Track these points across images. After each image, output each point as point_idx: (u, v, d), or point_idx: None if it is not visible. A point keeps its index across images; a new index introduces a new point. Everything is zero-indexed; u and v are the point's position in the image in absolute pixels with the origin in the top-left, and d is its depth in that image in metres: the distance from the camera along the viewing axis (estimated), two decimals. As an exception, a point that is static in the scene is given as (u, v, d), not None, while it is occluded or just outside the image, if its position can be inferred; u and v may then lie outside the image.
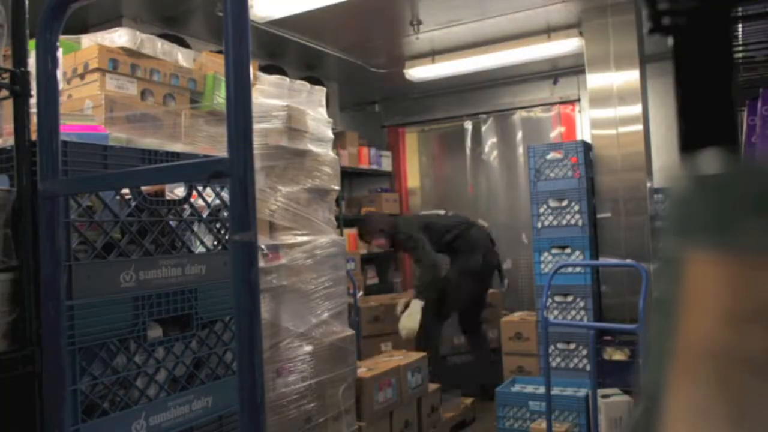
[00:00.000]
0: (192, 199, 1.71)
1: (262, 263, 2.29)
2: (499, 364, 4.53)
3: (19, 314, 1.33)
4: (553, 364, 3.87)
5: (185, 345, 1.62)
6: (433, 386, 3.60)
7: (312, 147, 2.69)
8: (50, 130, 1.24)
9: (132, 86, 2.15)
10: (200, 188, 1.73)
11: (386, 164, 6.32)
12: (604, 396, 3.12)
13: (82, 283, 1.38)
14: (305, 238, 2.57)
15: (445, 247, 4.53)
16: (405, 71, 5.20)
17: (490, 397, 4.03)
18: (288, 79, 2.73)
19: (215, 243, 1.76)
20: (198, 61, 2.53)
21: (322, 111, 2.88)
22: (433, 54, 5.04)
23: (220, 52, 1.94)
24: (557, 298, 3.96)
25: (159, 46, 2.35)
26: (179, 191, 1.74)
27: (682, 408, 0.33)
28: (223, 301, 1.72)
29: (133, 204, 1.53)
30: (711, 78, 0.52)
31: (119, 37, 2.23)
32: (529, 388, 3.62)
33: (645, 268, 2.70)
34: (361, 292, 4.70)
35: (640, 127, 4.06)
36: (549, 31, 4.59)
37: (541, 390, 3.28)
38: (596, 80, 4.19)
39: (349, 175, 5.99)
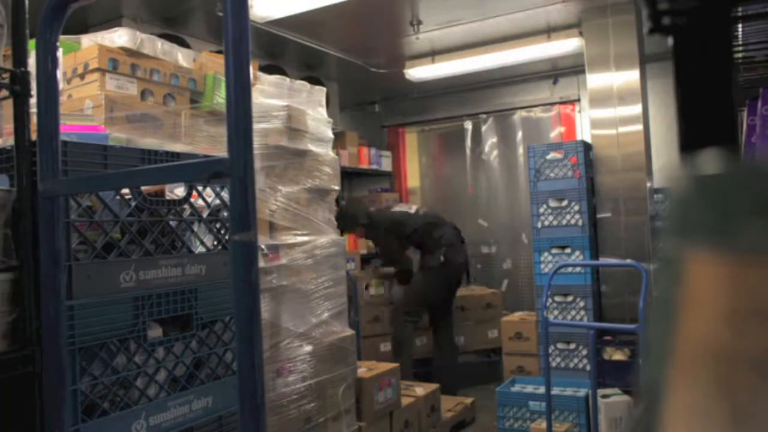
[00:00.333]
0: (192, 199, 1.71)
1: (262, 263, 2.29)
2: (499, 364, 4.54)
3: (19, 314, 1.33)
4: (553, 364, 3.87)
5: (185, 345, 1.62)
6: (432, 386, 3.60)
7: (312, 147, 2.69)
8: (50, 130, 1.24)
9: (132, 86, 2.15)
10: (200, 188, 1.73)
11: (386, 164, 6.32)
12: (604, 396, 3.12)
13: (82, 283, 1.38)
14: (305, 238, 2.57)
15: (414, 245, 4.54)
16: (405, 71, 5.20)
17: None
18: (288, 79, 2.73)
19: (215, 243, 1.76)
20: (198, 61, 2.53)
21: (322, 111, 2.88)
22: (433, 54, 5.03)
23: (220, 52, 1.94)
24: (557, 298, 3.96)
25: (159, 46, 2.35)
26: (179, 191, 1.74)
27: (682, 408, 0.33)
28: (223, 301, 1.72)
29: (133, 204, 1.53)
30: (711, 78, 0.52)
31: (119, 37, 2.23)
32: (529, 388, 3.62)
33: (645, 268, 2.70)
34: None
35: (640, 127, 4.05)
36: (549, 31, 4.59)
37: (541, 390, 3.28)
38: (596, 80, 4.19)
39: (349, 175, 5.99)
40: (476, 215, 6.17)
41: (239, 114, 0.91)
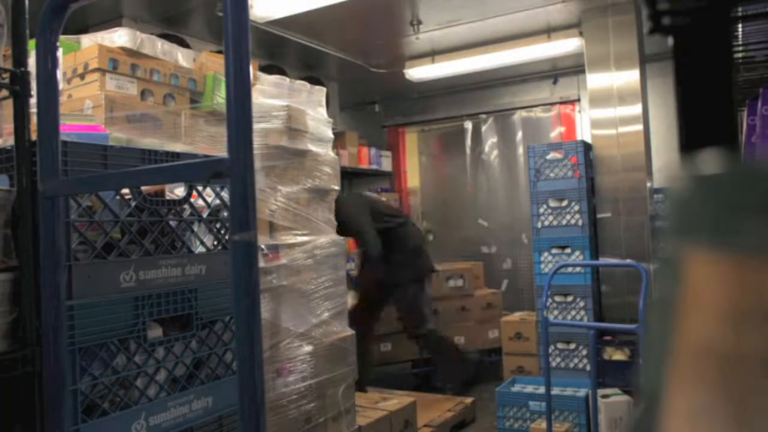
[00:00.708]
0: (192, 199, 1.71)
1: (262, 263, 2.29)
2: (499, 364, 4.54)
3: (19, 314, 1.33)
4: (553, 364, 3.87)
5: (185, 345, 1.62)
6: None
7: (312, 147, 2.69)
8: (50, 130, 1.24)
9: (132, 86, 2.15)
10: (200, 188, 1.73)
11: (386, 164, 6.32)
12: (604, 396, 3.12)
13: (82, 283, 1.37)
14: (305, 238, 2.57)
15: (381, 235, 4.11)
16: (405, 71, 5.20)
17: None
18: (288, 79, 2.73)
19: (215, 243, 1.76)
20: (198, 61, 2.53)
21: (322, 111, 2.88)
22: (433, 54, 5.04)
23: (220, 52, 1.94)
24: (557, 298, 3.96)
25: (159, 46, 2.35)
26: (179, 191, 1.74)
27: (683, 408, 0.33)
28: (223, 301, 1.72)
29: (133, 204, 1.53)
30: (711, 78, 0.52)
31: (119, 37, 2.23)
32: (529, 388, 3.62)
33: (645, 268, 2.70)
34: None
35: (640, 127, 4.05)
36: (549, 31, 4.59)
37: (541, 390, 3.28)
38: (596, 80, 4.19)
39: (349, 175, 5.99)
40: (476, 215, 6.17)
41: (239, 114, 0.91)
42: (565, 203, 4.00)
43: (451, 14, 4.20)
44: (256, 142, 2.02)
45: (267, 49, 4.70)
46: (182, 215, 1.67)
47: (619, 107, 4.10)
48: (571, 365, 3.88)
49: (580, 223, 3.96)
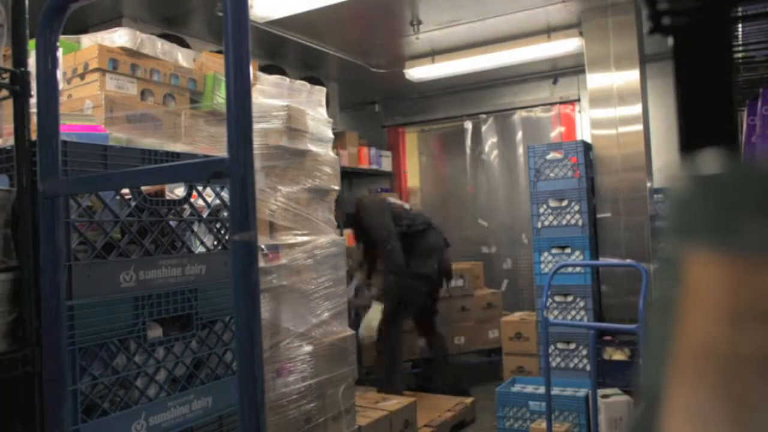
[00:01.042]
0: (192, 199, 1.71)
1: (262, 263, 2.29)
2: (499, 364, 4.53)
3: (19, 314, 1.33)
4: (553, 364, 3.87)
5: (185, 345, 1.62)
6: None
7: (312, 147, 2.69)
8: (50, 130, 1.24)
9: (132, 86, 2.15)
10: (200, 188, 1.73)
11: (386, 164, 6.32)
12: (604, 396, 3.12)
13: (82, 283, 1.37)
14: (305, 238, 2.57)
15: (402, 241, 4.08)
16: (405, 71, 5.20)
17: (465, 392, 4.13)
18: (288, 79, 2.73)
19: (215, 243, 1.76)
20: (198, 61, 2.53)
21: (322, 111, 2.88)
22: (433, 54, 5.04)
23: (220, 52, 1.94)
24: (557, 298, 3.96)
25: (159, 46, 2.35)
26: (179, 191, 1.74)
27: (683, 408, 0.33)
28: (223, 301, 1.72)
29: (133, 204, 1.53)
30: (711, 78, 0.52)
31: (119, 37, 2.23)
32: (529, 388, 3.62)
33: (645, 268, 2.70)
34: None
35: (640, 127, 4.06)
36: (549, 31, 4.59)
37: (541, 390, 3.28)
38: (596, 80, 4.19)
39: (349, 175, 5.99)
40: (476, 215, 6.17)
41: (239, 114, 0.91)
42: (565, 203, 4.00)
43: (451, 14, 4.20)
44: (256, 142, 2.02)
45: (267, 49, 4.70)
46: (182, 215, 1.67)
47: (619, 107, 4.10)
48: (571, 365, 3.88)
49: (580, 223, 3.96)
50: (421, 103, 6.39)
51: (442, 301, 4.70)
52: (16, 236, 1.35)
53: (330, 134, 2.88)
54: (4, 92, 1.38)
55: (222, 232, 1.78)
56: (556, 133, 5.77)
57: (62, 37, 1.52)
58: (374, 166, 6.11)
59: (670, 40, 0.52)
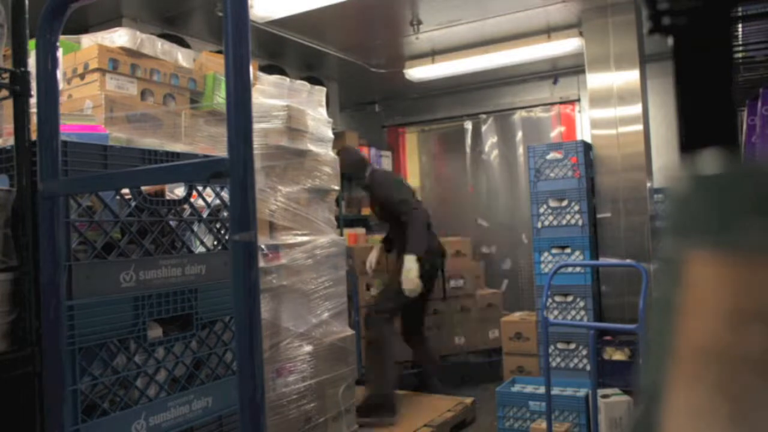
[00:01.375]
0: (192, 199, 1.71)
1: (262, 263, 2.29)
2: (498, 364, 4.53)
3: (19, 314, 1.33)
4: (553, 364, 3.87)
5: (185, 345, 1.62)
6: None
7: (312, 147, 2.69)
8: (50, 130, 1.24)
9: (132, 86, 2.15)
10: (200, 188, 1.73)
11: (386, 164, 6.32)
12: (604, 396, 3.12)
13: (82, 283, 1.37)
14: (305, 238, 2.57)
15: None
16: (405, 71, 5.20)
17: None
18: (288, 79, 2.73)
19: (215, 243, 1.76)
20: (198, 61, 2.53)
21: (322, 111, 2.88)
22: (433, 54, 5.04)
23: (220, 52, 1.94)
24: (557, 298, 3.95)
25: (159, 46, 2.35)
26: (179, 191, 1.74)
27: (682, 408, 0.33)
28: (223, 301, 1.72)
29: (133, 204, 1.53)
30: (711, 78, 0.52)
31: (119, 37, 2.23)
32: (529, 388, 3.62)
33: (645, 268, 2.70)
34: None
35: (640, 127, 4.06)
36: (549, 31, 4.59)
37: (541, 390, 3.28)
38: (596, 80, 4.19)
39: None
40: (476, 215, 6.17)
41: (239, 114, 0.91)
42: (565, 203, 4.00)
43: (451, 14, 4.20)
44: (256, 142, 2.02)
45: (267, 49, 4.70)
46: (182, 215, 1.67)
47: (619, 107, 4.10)
48: (571, 365, 3.88)
49: (580, 223, 3.96)
50: (421, 103, 6.39)
51: (442, 302, 4.70)
52: (16, 236, 1.35)
53: (330, 134, 2.88)
54: (4, 92, 1.38)
55: (222, 232, 1.78)
56: (556, 133, 5.78)
57: (62, 37, 1.52)
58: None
59: (670, 40, 0.52)
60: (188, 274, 1.63)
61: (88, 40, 2.28)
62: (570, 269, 3.86)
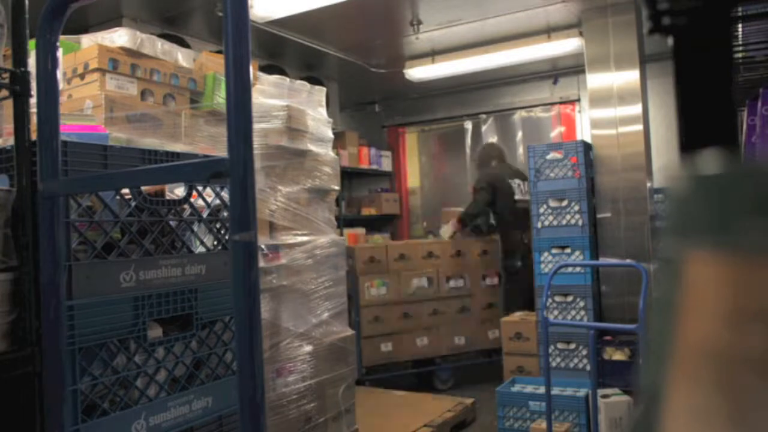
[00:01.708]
0: (192, 199, 1.71)
1: (262, 263, 2.29)
2: (499, 364, 4.53)
3: (19, 314, 1.33)
4: (553, 364, 3.87)
5: (185, 345, 1.62)
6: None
7: (312, 147, 2.69)
8: (50, 130, 1.24)
9: (132, 86, 2.15)
10: (200, 188, 1.73)
11: (386, 164, 6.32)
12: (604, 396, 3.12)
13: (82, 283, 1.37)
14: (305, 238, 2.57)
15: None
16: (405, 71, 5.20)
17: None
18: (288, 79, 2.73)
19: (215, 243, 1.76)
20: (198, 61, 2.53)
21: (322, 111, 2.88)
22: (433, 54, 5.04)
23: (220, 52, 1.94)
24: (557, 298, 3.95)
25: (159, 46, 2.35)
26: (179, 191, 1.74)
27: (682, 408, 0.33)
28: (223, 301, 1.72)
29: (133, 204, 1.53)
30: (711, 78, 0.52)
31: (119, 37, 2.23)
32: (529, 388, 3.62)
33: (645, 268, 2.70)
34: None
35: (640, 127, 4.06)
36: (549, 31, 4.59)
37: (541, 390, 3.28)
38: (596, 80, 4.19)
39: (349, 175, 6.00)
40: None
41: (239, 114, 0.91)
42: (565, 203, 4.00)
43: (451, 14, 4.20)
44: (256, 142, 2.02)
45: (267, 49, 4.70)
46: (182, 215, 1.67)
47: (619, 107, 4.10)
48: (571, 365, 3.88)
49: (580, 223, 3.96)
50: (421, 103, 6.39)
51: (441, 302, 4.69)
52: (16, 236, 1.35)
53: (330, 134, 2.88)
54: (4, 92, 1.38)
55: (222, 232, 1.78)
56: (556, 133, 5.77)
57: (62, 37, 1.52)
58: (374, 166, 6.11)
59: (670, 40, 0.52)
60: (188, 274, 1.63)
61: (88, 40, 2.28)
62: (570, 269, 3.86)
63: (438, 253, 4.70)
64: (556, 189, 4.01)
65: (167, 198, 1.63)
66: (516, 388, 3.68)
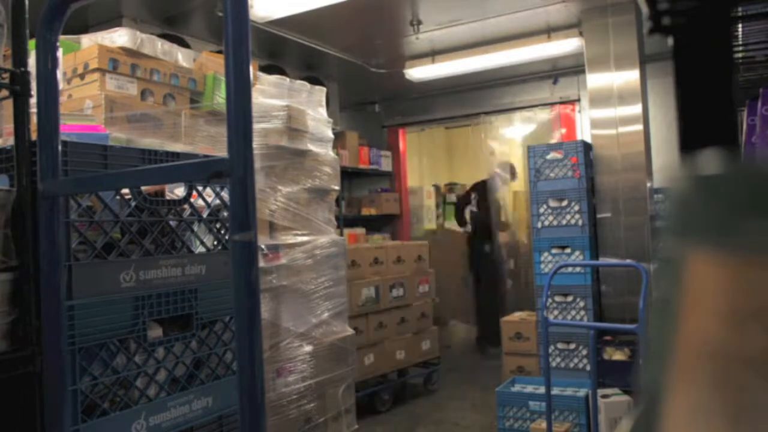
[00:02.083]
0: (192, 199, 1.71)
1: (262, 263, 2.29)
2: (438, 374, 4.42)
3: (19, 314, 1.33)
4: (553, 364, 3.87)
5: (185, 345, 1.62)
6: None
7: (312, 147, 2.69)
8: (50, 130, 1.24)
9: (132, 86, 2.15)
10: (200, 188, 1.73)
11: (386, 164, 6.32)
12: (604, 396, 3.12)
13: (82, 283, 1.37)
14: (305, 238, 2.57)
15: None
16: (405, 71, 5.20)
17: None
18: (288, 79, 2.73)
19: (215, 243, 1.76)
20: (198, 61, 2.53)
21: (322, 111, 2.88)
22: (433, 54, 5.04)
23: (220, 52, 1.94)
24: (557, 298, 3.95)
25: (159, 46, 2.35)
26: (179, 191, 1.74)
27: (682, 408, 0.33)
28: (223, 301, 1.72)
29: (133, 204, 1.53)
30: (711, 78, 0.52)
31: (119, 37, 2.23)
32: (529, 388, 3.62)
33: (645, 268, 2.70)
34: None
35: (640, 127, 4.06)
36: (549, 31, 4.59)
37: (541, 390, 3.28)
38: (596, 80, 4.19)
39: (349, 175, 5.99)
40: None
41: (239, 114, 0.91)
42: (565, 203, 4.00)
43: (451, 14, 4.20)
44: (256, 142, 2.02)
45: (267, 49, 4.70)
46: (182, 215, 1.67)
47: (619, 107, 4.10)
48: (571, 365, 3.88)
49: (580, 223, 3.96)
50: (421, 103, 6.39)
51: (384, 314, 4.24)
52: (16, 236, 1.35)
53: (330, 134, 2.88)
54: (4, 92, 1.38)
55: (222, 232, 1.78)
56: (556, 133, 5.77)
57: (62, 37, 1.52)
58: (374, 166, 6.11)
59: (670, 40, 0.52)
60: (188, 274, 1.63)
61: (88, 40, 2.28)
62: (570, 269, 3.86)
63: (383, 259, 4.27)
64: (556, 189, 4.01)
65: (167, 198, 1.63)
66: (516, 388, 3.68)
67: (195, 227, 1.71)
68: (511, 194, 5.99)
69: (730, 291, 0.32)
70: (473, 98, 6.14)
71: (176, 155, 1.69)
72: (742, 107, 1.66)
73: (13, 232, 1.35)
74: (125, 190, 1.54)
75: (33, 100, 1.32)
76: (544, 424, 2.93)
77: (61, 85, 1.81)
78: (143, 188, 1.56)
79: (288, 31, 4.29)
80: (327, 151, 2.81)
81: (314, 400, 2.50)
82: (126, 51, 2.16)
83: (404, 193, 6.58)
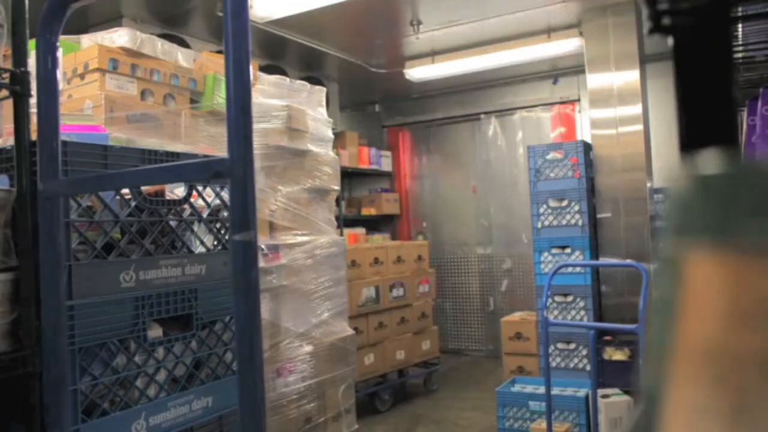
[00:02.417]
0: (192, 199, 1.71)
1: (262, 263, 2.29)
2: (438, 373, 4.42)
3: (19, 314, 1.33)
4: (553, 364, 3.87)
5: (185, 345, 1.62)
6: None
7: (312, 147, 2.69)
8: (50, 130, 1.24)
9: (132, 86, 2.15)
10: (200, 188, 1.73)
11: (386, 164, 6.32)
12: (604, 396, 3.12)
13: (82, 283, 1.37)
14: (305, 238, 2.57)
15: None
16: (405, 71, 5.20)
17: None
18: (288, 79, 2.73)
19: (215, 243, 1.76)
20: (198, 61, 2.53)
21: (322, 111, 2.88)
22: (433, 54, 5.04)
23: (220, 52, 1.94)
24: (557, 298, 3.95)
25: (159, 46, 2.35)
26: (179, 191, 1.74)
27: (682, 408, 0.33)
28: (223, 301, 1.72)
29: (133, 204, 1.53)
30: (711, 78, 0.52)
31: (119, 37, 2.23)
32: (529, 388, 3.62)
33: (645, 268, 2.70)
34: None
35: (640, 127, 4.05)
36: (549, 31, 4.59)
37: (541, 390, 3.28)
38: (596, 80, 4.19)
39: (349, 175, 5.99)
40: (477, 215, 6.17)
41: (239, 114, 0.91)
42: (565, 203, 4.00)
43: (451, 14, 4.20)
44: (256, 142, 2.02)
45: (267, 49, 4.70)
46: (182, 215, 1.67)
47: (619, 107, 4.10)
48: (571, 365, 3.88)
49: (580, 223, 3.96)
50: (421, 103, 6.39)
51: (384, 314, 4.25)
52: (16, 236, 1.35)
53: (330, 134, 2.88)
54: (4, 92, 1.38)
55: (222, 232, 1.78)
56: (556, 133, 5.77)
57: (62, 37, 1.52)
58: (374, 166, 6.11)
59: (670, 40, 0.52)
60: (188, 274, 1.63)
61: (88, 40, 2.28)
62: (570, 269, 3.86)
63: (383, 259, 4.28)
64: (556, 189, 4.01)
65: (167, 198, 1.63)
66: (516, 388, 3.68)
67: (195, 227, 1.71)
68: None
69: (730, 291, 0.32)
70: (473, 98, 6.14)
71: (176, 155, 1.69)
72: (742, 107, 1.66)
73: (13, 232, 1.35)
74: (125, 190, 1.54)
75: (33, 100, 1.32)
76: (544, 424, 2.93)
77: (61, 85, 1.81)
78: (143, 188, 1.56)
79: (288, 31, 4.29)
80: (327, 151, 2.81)
81: (314, 400, 2.50)
82: (126, 51, 2.16)
83: (404, 193, 6.58)
